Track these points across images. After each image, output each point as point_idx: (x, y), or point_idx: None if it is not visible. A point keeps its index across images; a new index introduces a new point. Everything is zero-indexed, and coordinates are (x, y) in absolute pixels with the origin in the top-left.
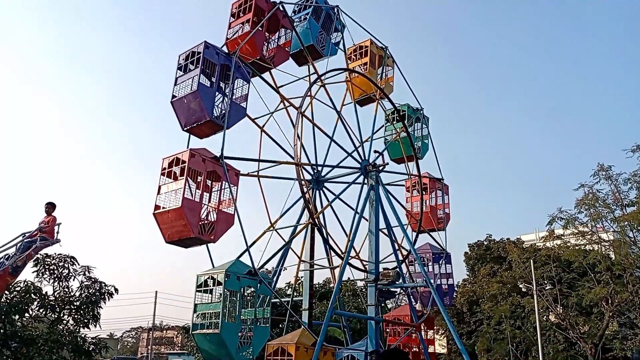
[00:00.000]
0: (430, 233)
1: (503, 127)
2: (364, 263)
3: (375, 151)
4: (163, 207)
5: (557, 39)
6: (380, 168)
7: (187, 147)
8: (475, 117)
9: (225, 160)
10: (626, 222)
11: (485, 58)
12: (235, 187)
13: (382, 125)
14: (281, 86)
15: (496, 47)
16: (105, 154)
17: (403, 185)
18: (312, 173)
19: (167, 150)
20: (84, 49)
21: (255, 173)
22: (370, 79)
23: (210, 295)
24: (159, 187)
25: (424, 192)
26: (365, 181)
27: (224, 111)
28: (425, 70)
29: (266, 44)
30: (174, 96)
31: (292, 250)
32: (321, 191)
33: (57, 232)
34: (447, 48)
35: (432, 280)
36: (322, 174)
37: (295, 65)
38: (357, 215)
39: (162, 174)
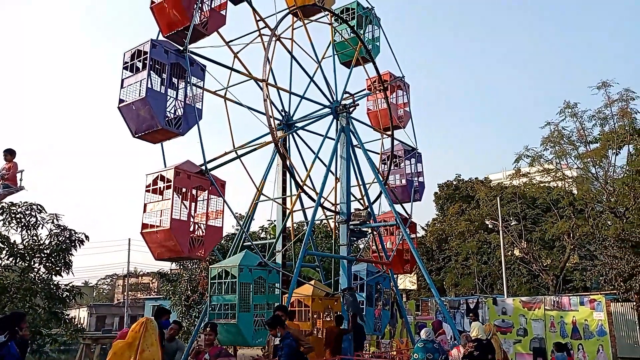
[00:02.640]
0: (395, 135)
1: (471, 68)
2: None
3: (345, 92)
4: (151, 227)
5: None
6: (351, 109)
7: (161, 150)
8: (443, 52)
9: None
10: (589, 159)
11: None
12: (223, 198)
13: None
14: (230, 41)
15: None
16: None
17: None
18: (280, 119)
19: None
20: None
21: (234, 153)
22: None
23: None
24: (145, 205)
25: (385, 90)
26: (337, 124)
27: (177, 114)
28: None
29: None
30: (121, 100)
31: (265, 195)
32: (294, 134)
33: (20, 180)
34: None
35: (404, 177)
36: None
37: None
38: (329, 159)
39: (147, 191)
